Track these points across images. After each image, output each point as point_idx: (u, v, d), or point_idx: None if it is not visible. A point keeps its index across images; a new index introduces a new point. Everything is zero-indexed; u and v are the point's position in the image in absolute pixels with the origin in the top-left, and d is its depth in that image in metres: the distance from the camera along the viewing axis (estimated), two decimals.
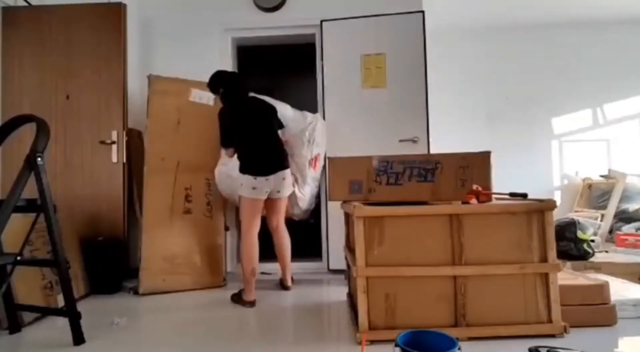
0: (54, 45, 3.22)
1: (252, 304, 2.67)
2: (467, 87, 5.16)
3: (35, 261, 2.38)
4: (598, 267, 2.92)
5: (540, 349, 1.60)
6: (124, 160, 3.18)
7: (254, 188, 2.71)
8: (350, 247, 2.34)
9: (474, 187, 2.05)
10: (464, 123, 5.07)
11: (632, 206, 4.53)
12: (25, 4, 3.21)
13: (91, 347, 1.93)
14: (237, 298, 2.74)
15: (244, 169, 2.74)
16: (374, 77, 3.50)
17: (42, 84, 3.20)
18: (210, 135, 3.29)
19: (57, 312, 2.31)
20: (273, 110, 2.93)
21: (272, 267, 3.65)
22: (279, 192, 2.83)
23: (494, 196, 2.13)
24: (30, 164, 1.89)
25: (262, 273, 3.57)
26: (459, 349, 1.39)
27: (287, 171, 2.86)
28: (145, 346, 2.05)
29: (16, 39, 3.20)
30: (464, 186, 2.11)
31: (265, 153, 2.79)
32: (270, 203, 2.88)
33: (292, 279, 3.12)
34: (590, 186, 5.02)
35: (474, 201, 2.01)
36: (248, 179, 2.71)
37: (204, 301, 2.79)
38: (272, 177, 2.74)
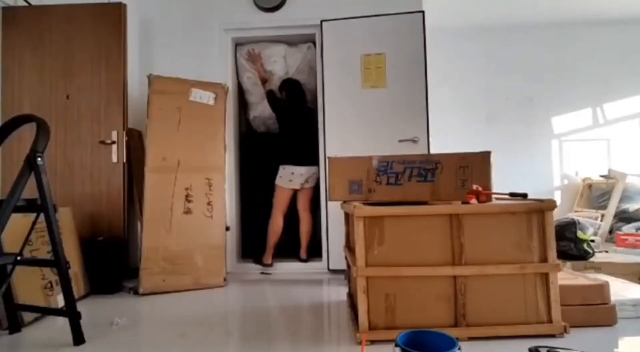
0: (54, 45, 3.22)
1: (268, 265, 3.63)
2: (467, 88, 5.16)
3: (35, 260, 2.38)
4: (598, 267, 2.92)
5: (540, 349, 1.60)
6: (124, 160, 3.18)
7: (290, 180, 3.61)
8: (350, 247, 2.34)
9: (474, 187, 2.05)
10: (464, 123, 5.07)
11: (632, 206, 4.53)
12: (25, 4, 3.21)
13: (91, 347, 1.93)
14: (259, 260, 3.68)
15: (284, 162, 3.64)
16: (374, 77, 3.50)
17: (42, 84, 3.20)
18: (210, 135, 3.30)
19: (57, 312, 2.31)
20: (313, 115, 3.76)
21: (272, 267, 3.66)
22: (307, 182, 3.66)
23: (494, 196, 2.13)
24: (30, 164, 1.89)
25: (262, 273, 3.57)
26: (459, 349, 1.39)
27: (316, 168, 3.68)
28: (145, 346, 2.05)
29: (16, 39, 3.20)
30: (464, 186, 2.10)
31: (303, 150, 3.66)
32: (300, 191, 3.69)
33: (307, 254, 3.73)
34: (590, 186, 5.02)
35: (474, 201, 2.00)
36: (287, 170, 3.62)
37: (204, 301, 2.78)
38: (305, 170, 3.62)
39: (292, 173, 3.59)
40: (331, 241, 3.53)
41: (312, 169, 3.65)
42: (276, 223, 3.62)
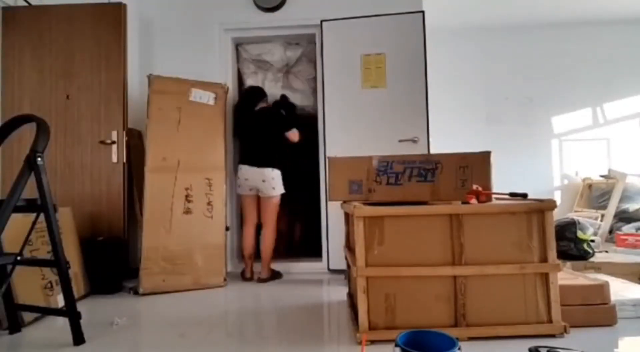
0: (54, 45, 3.22)
1: (249, 279, 3.35)
2: (467, 87, 5.16)
3: (35, 260, 2.38)
4: (598, 267, 2.92)
5: (540, 349, 1.60)
6: (124, 160, 3.18)
7: (238, 186, 3.37)
8: (350, 247, 2.34)
9: (474, 187, 2.05)
10: (463, 123, 5.07)
11: (632, 206, 4.53)
12: (25, 3, 3.21)
13: (91, 347, 1.93)
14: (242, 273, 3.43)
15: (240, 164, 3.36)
16: (374, 77, 3.50)
17: (42, 84, 3.20)
18: (210, 135, 3.30)
19: (57, 312, 2.31)
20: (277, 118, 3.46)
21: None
22: (258, 190, 3.32)
23: (494, 196, 2.13)
24: (30, 164, 1.89)
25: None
26: (459, 349, 1.39)
27: (272, 171, 3.28)
28: (145, 346, 2.05)
29: (16, 39, 3.20)
30: (464, 186, 2.10)
31: (254, 154, 3.33)
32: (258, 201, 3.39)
33: (272, 273, 3.39)
34: (590, 186, 5.02)
35: (474, 201, 2.00)
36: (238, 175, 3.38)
37: (204, 301, 2.78)
38: (251, 174, 3.28)
39: (238, 178, 3.36)
40: (331, 241, 3.53)
41: (264, 172, 3.25)
42: (246, 236, 3.39)
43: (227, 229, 3.37)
